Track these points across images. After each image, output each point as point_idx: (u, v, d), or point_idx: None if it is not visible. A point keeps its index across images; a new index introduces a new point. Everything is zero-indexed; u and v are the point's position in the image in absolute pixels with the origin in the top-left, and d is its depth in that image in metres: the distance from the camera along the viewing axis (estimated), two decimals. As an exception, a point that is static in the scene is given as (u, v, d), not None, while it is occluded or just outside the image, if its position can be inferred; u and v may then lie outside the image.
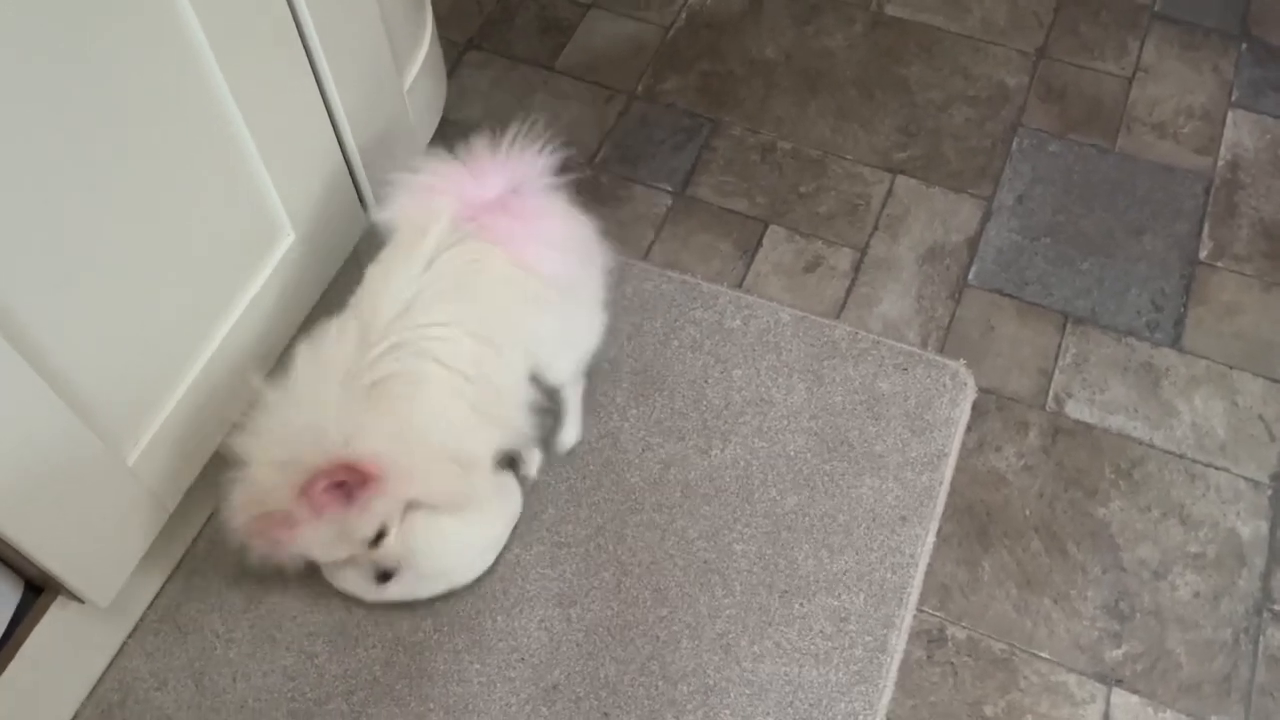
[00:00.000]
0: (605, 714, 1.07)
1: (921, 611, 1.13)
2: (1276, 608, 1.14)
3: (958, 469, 1.21)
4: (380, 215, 1.04)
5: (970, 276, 1.36)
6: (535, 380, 1.09)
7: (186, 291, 0.98)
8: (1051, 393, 1.27)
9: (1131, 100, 1.51)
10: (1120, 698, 1.09)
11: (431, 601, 1.11)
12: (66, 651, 1.03)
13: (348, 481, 0.91)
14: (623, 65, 1.56)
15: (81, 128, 0.81)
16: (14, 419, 0.82)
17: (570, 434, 1.21)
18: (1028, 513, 1.20)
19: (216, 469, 1.00)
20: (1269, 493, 1.20)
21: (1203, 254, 1.38)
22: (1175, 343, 1.31)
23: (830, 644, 1.10)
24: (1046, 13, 1.61)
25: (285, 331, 1.12)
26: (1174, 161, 1.46)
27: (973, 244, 1.39)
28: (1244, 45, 1.57)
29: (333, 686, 1.08)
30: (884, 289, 1.35)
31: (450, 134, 1.43)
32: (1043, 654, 1.12)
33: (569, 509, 1.19)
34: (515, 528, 1.15)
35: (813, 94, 1.53)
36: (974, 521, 1.19)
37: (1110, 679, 1.11)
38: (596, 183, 1.45)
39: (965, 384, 1.26)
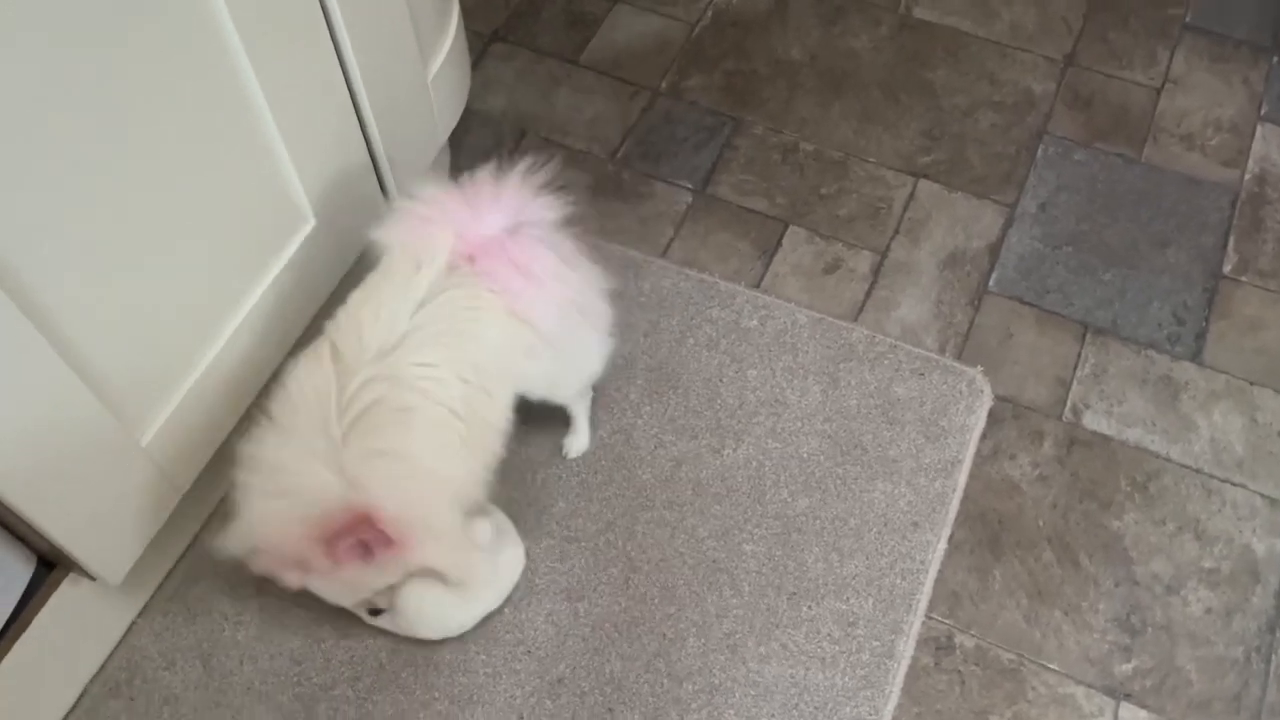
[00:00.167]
0: (610, 709, 1.07)
1: (930, 618, 1.13)
2: (1290, 627, 1.13)
3: (971, 476, 1.21)
4: (375, 235, 0.99)
5: (990, 283, 1.35)
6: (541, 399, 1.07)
7: (206, 274, 0.99)
8: (1069, 403, 1.26)
9: (1159, 111, 1.50)
10: (1129, 712, 1.09)
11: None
12: (76, 628, 1.03)
13: (369, 540, 0.91)
14: (647, 61, 1.56)
15: (109, 112, 0.81)
16: (32, 397, 0.83)
17: (580, 441, 1.21)
18: (1041, 523, 1.19)
19: (229, 452, 1.00)
20: (1286, 511, 1.19)
21: (1226, 268, 1.36)
22: (1196, 356, 1.29)
23: (837, 648, 1.10)
24: (1076, 19, 1.60)
25: (302, 317, 1.13)
26: (1200, 174, 1.44)
27: (994, 250, 1.38)
28: (1275, 58, 1.55)
29: (339, 672, 1.08)
30: (903, 293, 1.34)
31: (473, 125, 1.44)
32: (1052, 665, 1.11)
33: (580, 504, 1.19)
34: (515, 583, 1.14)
35: (837, 95, 1.52)
36: (986, 530, 1.18)
37: (1119, 693, 1.10)
38: (618, 179, 1.45)
39: (982, 391, 1.26)
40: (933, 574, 1.15)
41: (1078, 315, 1.33)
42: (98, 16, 0.77)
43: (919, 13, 1.60)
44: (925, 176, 1.44)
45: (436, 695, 1.07)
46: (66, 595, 1.00)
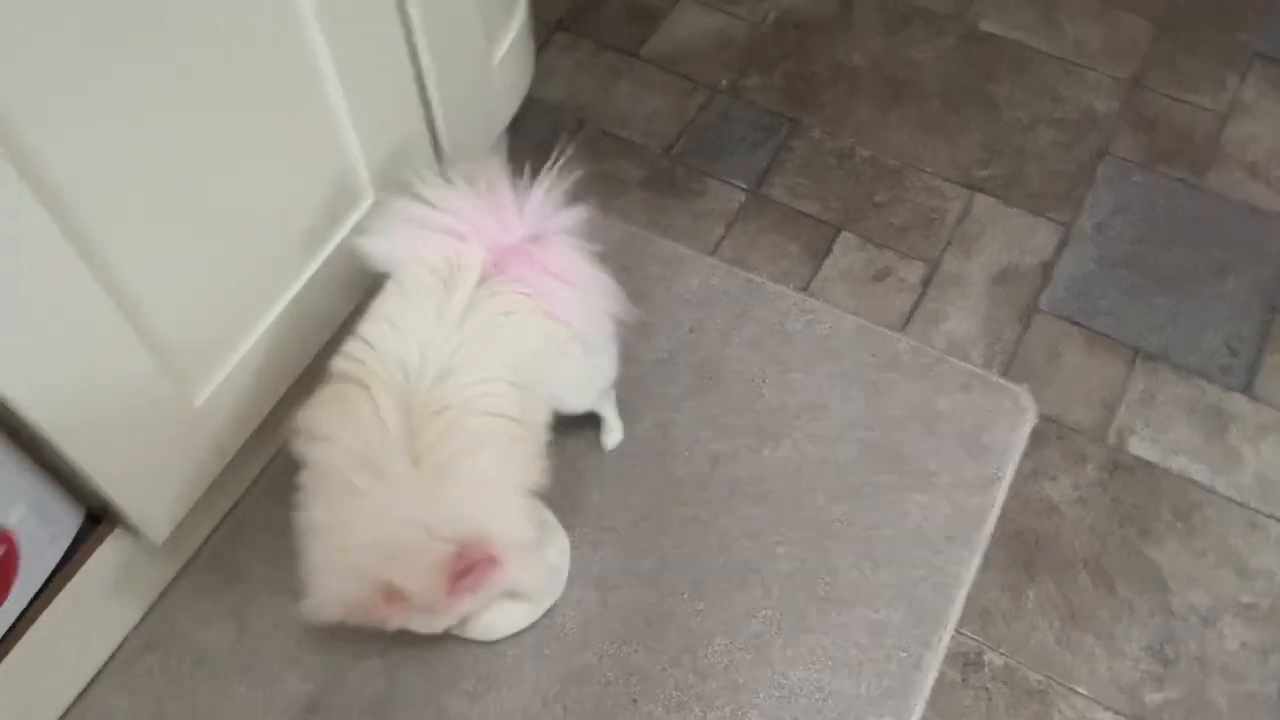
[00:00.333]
0: (634, 700, 1.07)
1: (960, 634, 1.12)
2: (1327, 668, 1.11)
3: (1010, 494, 1.20)
4: (379, 248, 0.96)
5: (1041, 301, 1.34)
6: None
7: (266, 243, 1.00)
8: (1114, 427, 1.25)
9: (1225, 137, 1.48)
10: (1156, 742, 1.08)
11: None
12: (117, 583, 1.06)
13: (485, 571, 0.89)
14: (708, 58, 1.56)
15: (181, 77, 0.83)
16: (95, 352, 0.85)
17: (614, 433, 1.21)
18: (1078, 546, 1.18)
19: (275, 421, 1.02)
20: (1331, 551, 1.17)
21: (1284, 301, 1.34)
22: (1247, 389, 1.28)
23: (864, 656, 1.10)
24: (1144, 40, 1.58)
25: (350, 298, 1.13)
26: (1263, 203, 1.42)
27: (1047, 269, 1.37)
28: (1348, 91, 1.52)
29: (369, 644, 1.10)
30: (952, 306, 1.33)
31: (531, 112, 1.45)
32: (1080, 689, 1.10)
33: (615, 494, 1.19)
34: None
35: (896, 103, 1.52)
36: (1022, 549, 1.17)
37: (1147, 722, 1.09)
38: (672, 174, 1.45)
39: (1026, 410, 1.25)
40: (965, 589, 1.14)
41: (1129, 339, 1.31)
42: (180, -16, 0.79)
43: (985, 25, 1.59)
44: (981, 190, 1.43)
45: (463, 673, 1.09)
46: (110, 550, 1.02)
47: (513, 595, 1.05)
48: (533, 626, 1.11)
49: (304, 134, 0.99)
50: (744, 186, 1.44)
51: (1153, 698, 1.09)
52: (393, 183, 1.11)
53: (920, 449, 1.22)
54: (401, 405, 0.89)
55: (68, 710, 1.07)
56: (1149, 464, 1.23)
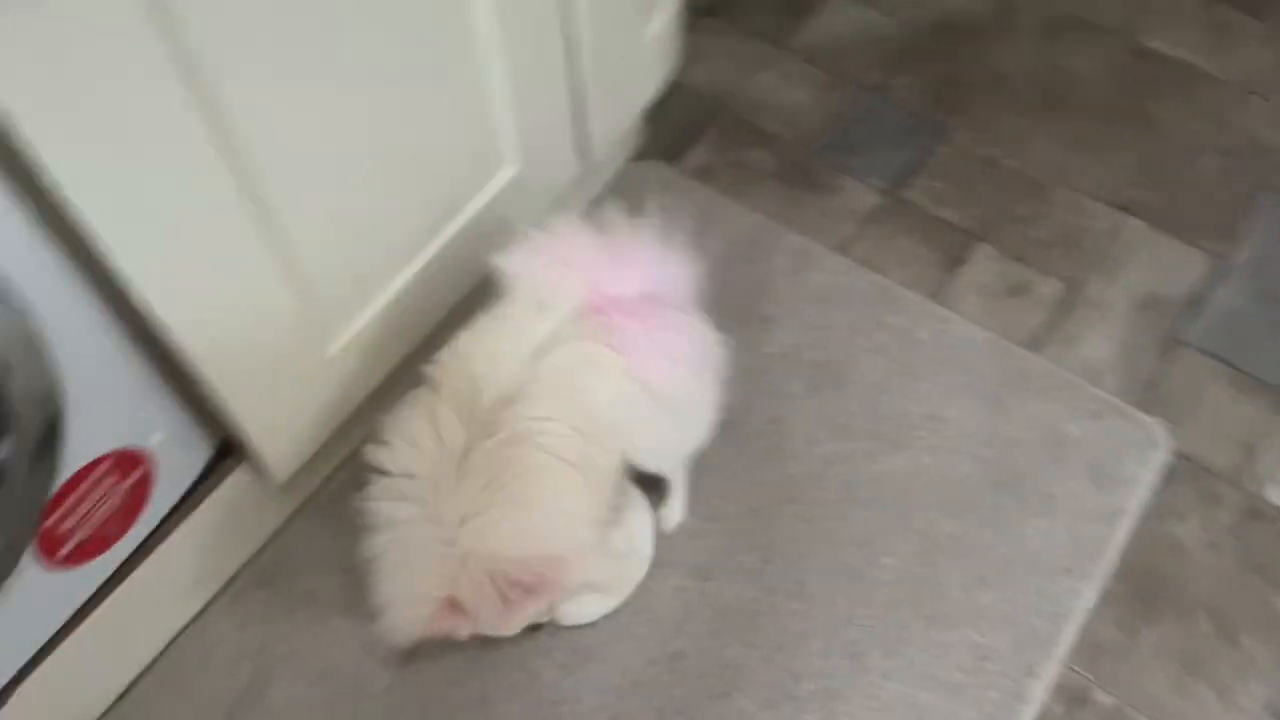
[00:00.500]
0: (725, 694, 1.06)
1: (1069, 669, 1.08)
2: None
3: (1135, 530, 1.15)
4: (501, 263, 0.95)
5: (1186, 334, 1.28)
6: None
7: (410, 202, 1.02)
8: (1253, 472, 1.19)
9: (1403, 179, 1.39)
10: (1269, 807, 1.02)
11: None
12: (238, 516, 1.09)
13: (533, 587, 0.91)
14: (857, 54, 1.53)
15: (349, 28, 0.84)
16: (245, 294, 0.87)
17: (676, 512, 1.15)
18: (1203, 590, 1.12)
19: (394, 382, 1.03)
20: None
21: None
22: (1404, 447, 1.20)
23: (966, 678, 1.07)
24: (1323, 70, 1.49)
25: (479, 271, 1.12)
26: None
27: (1195, 301, 1.30)
28: None
29: (468, 605, 1.11)
30: (1090, 329, 1.28)
31: (671, 95, 1.44)
32: (1191, 741, 1.05)
33: (723, 484, 1.18)
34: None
35: (1049, 115, 1.46)
36: (1142, 587, 1.13)
37: (1262, 784, 1.03)
38: (808, 168, 1.43)
39: (1159, 444, 1.19)
40: (1078, 622, 1.10)
41: (1277, 381, 1.24)
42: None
43: (1150, 41, 1.53)
44: (1132, 212, 1.37)
45: (559, 644, 1.09)
46: (234, 484, 1.05)
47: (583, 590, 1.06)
48: (626, 607, 1.11)
49: (456, 92, 1.00)
50: (881, 186, 1.41)
51: (1270, 760, 1.04)
52: (532, 154, 1.13)
53: (1043, 473, 1.17)
54: (463, 420, 0.89)
55: (180, 633, 1.11)
56: (1288, 515, 1.16)
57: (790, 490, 1.17)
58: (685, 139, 1.45)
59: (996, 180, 1.41)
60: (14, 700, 0.94)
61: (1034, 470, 1.18)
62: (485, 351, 0.91)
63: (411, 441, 0.91)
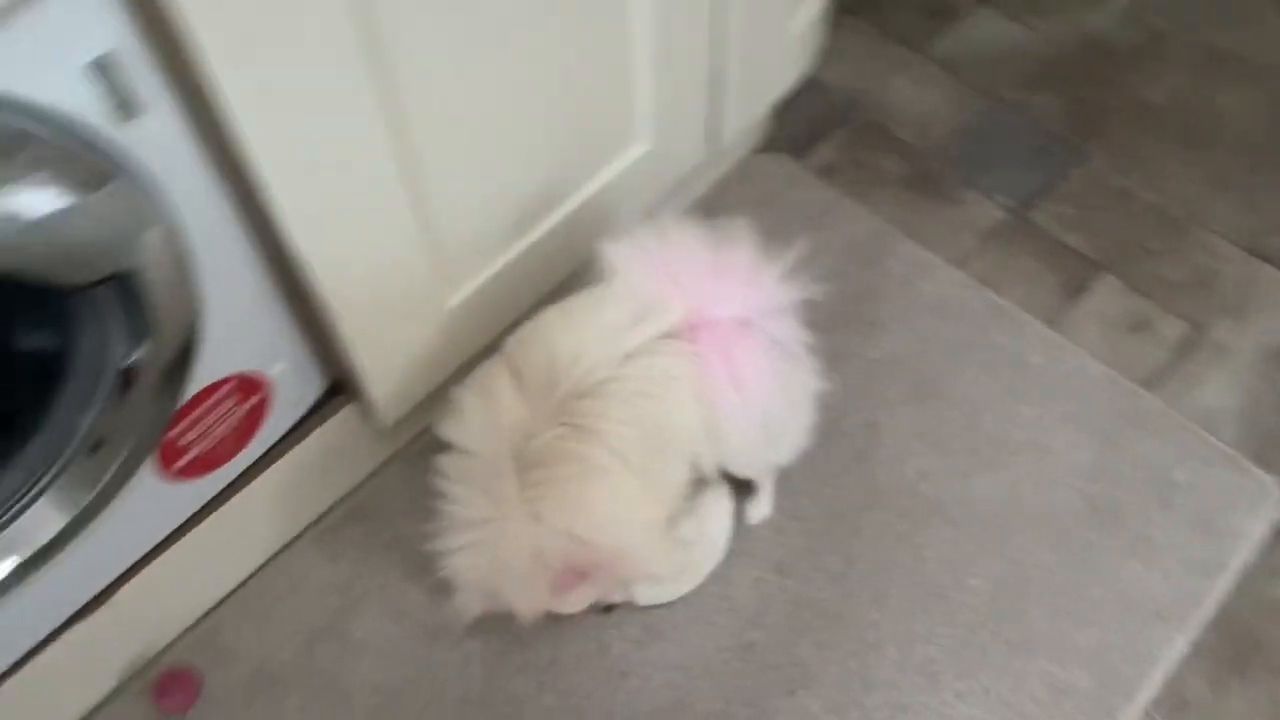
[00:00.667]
0: (792, 691, 1.06)
1: (1150, 716, 1.05)
2: None
3: (1236, 586, 1.11)
4: (608, 252, 0.93)
5: (1314, 391, 1.23)
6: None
7: (544, 169, 1.03)
8: (1370, 543, 1.14)
9: None
10: None
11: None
12: (340, 453, 1.12)
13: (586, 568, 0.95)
14: (996, 67, 1.50)
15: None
16: (382, 240, 0.90)
17: (761, 508, 1.14)
18: (1301, 658, 1.08)
19: (502, 342, 1.05)
20: None
21: None
22: None
23: (1041, 712, 1.04)
24: None
25: (595, 237, 1.13)
26: None
27: (1327, 358, 1.25)
28: None
29: (549, 569, 1.13)
30: (1211, 374, 1.24)
31: (803, 90, 1.43)
32: (1271, 810, 1.01)
33: (811, 485, 1.17)
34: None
35: (1193, 151, 1.41)
36: (1237, 645, 1.09)
37: None
38: (933, 178, 1.41)
39: (1272, 501, 1.15)
40: (1165, 671, 1.07)
41: (1407, 453, 1.19)
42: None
43: (1310, 85, 1.46)
44: (1270, 261, 1.32)
45: (633, 619, 1.10)
46: (341, 421, 1.08)
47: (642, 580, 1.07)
48: (704, 592, 1.11)
49: (604, 65, 1.00)
50: (1008, 204, 1.38)
51: (1353, 841, 1.00)
52: (663, 134, 1.13)
53: (1145, 516, 1.14)
54: (531, 404, 0.89)
55: (269, 560, 1.15)
56: (1403, 592, 1.11)
57: (878, 498, 1.16)
58: (813, 135, 1.44)
59: (1130, 211, 1.37)
60: (103, 610, 0.98)
61: (1136, 512, 1.14)
62: (572, 342, 0.90)
63: (479, 419, 0.91)
